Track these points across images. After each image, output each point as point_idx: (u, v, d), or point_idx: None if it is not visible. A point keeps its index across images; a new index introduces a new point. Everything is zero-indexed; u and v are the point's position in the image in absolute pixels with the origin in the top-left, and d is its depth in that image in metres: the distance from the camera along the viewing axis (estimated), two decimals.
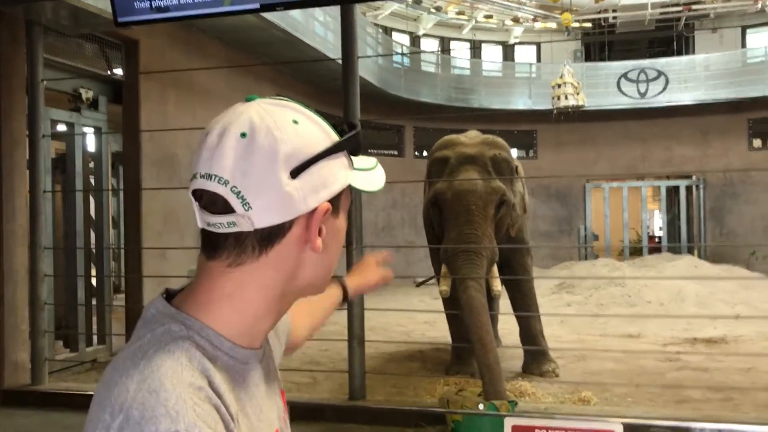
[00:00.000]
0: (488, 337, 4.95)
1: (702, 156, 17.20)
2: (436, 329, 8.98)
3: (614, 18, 18.86)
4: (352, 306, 4.94)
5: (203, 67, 9.20)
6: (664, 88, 16.88)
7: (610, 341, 8.47)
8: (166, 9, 3.65)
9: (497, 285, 5.56)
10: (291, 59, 11.47)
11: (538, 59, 19.85)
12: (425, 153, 17.15)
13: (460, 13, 19.01)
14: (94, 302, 7.46)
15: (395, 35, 18.80)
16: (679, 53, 18.87)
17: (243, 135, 0.85)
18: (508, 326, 7.50)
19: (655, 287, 11.15)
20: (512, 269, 6.35)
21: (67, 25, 6.25)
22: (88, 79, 7.52)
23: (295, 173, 0.85)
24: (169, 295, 0.92)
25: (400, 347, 7.83)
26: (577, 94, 15.57)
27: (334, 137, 0.91)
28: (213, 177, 0.84)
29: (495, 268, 5.63)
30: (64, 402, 5.17)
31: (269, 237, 0.87)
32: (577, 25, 18.80)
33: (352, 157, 0.94)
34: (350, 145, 0.92)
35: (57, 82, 6.75)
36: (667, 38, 19.57)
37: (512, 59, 19.88)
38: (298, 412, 4.66)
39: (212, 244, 0.88)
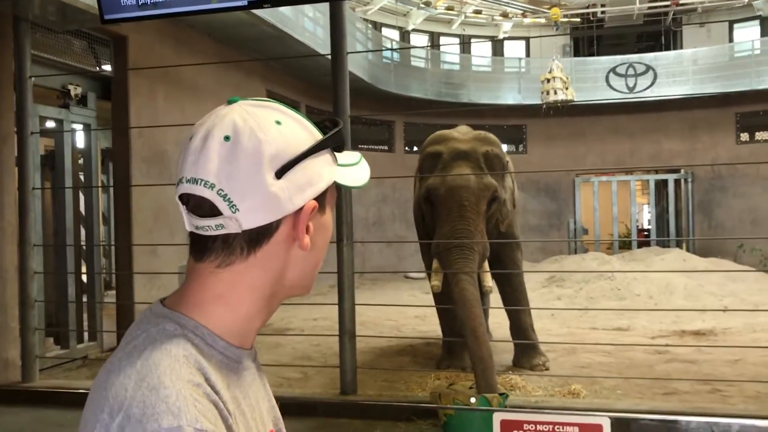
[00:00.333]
0: (481, 329, 4.99)
1: (690, 150, 17.29)
2: (427, 324, 9.01)
3: (603, 13, 18.91)
4: (343, 301, 4.96)
5: (193, 63, 9.17)
6: (653, 83, 16.95)
7: (599, 334, 8.53)
8: (153, 5, 3.63)
9: (489, 280, 5.59)
10: (280, 55, 11.45)
11: (527, 54, 19.89)
12: (415, 148, 17.15)
13: (449, 8, 19.02)
14: (84, 299, 7.45)
15: (385, 30, 18.78)
16: (667, 48, 18.95)
17: (227, 138, 0.85)
18: (498, 320, 7.53)
19: (644, 280, 11.23)
20: (502, 264, 6.38)
21: (54, 21, 6.22)
22: (77, 75, 7.48)
23: (280, 173, 0.86)
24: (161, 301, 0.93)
25: (391, 342, 7.85)
26: (566, 88, 15.63)
27: (318, 135, 0.92)
28: (199, 181, 0.85)
29: (486, 264, 5.66)
30: (55, 399, 5.16)
31: (257, 237, 0.88)
32: (565, 19, 18.85)
33: (337, 154, 0.94)
34: (334, 142, 0.93)
35: (45, 78, 6.72)
36: (656, 33, 19.65)
37: (501, 54, 19.90)
38: (289, 407, 4.68)
39: (201, 247, 0.89)
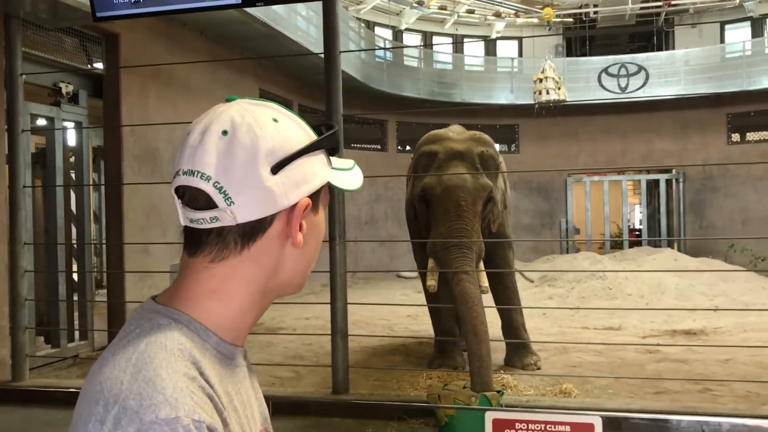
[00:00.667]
0: (482, 327, 5.01)
1: (682, 150, 17.36)
2: (419, 323, 9.02)
3: (595, 13, 18.96)
4: (335, 300, 4.96)
5: (185, 61, 9.15)
6: (645, 83, 17.01)
7: (591, 334, 8.55)
8: (145, 3, 3.62)
9: (485, 280, 5.59)
10: (273, 53, 11.43)
11: (520, 54, 19.92)
12: (408, 147, 17.16)
13: (442, 7, 19.04)
14: (75, 298, 7.42)
15: (378, 30, 18.78)
16: (659, 48, 19.02)
17: (224, 132, 0.87)
18: (490, 319, 7.48)
19: (636, 280, 11.27)
20: (494, 263, 6.40)
21: (46, 18, 6.19)
22: (68, 73, 7.45)
23: (275, 169, 0.87)
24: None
25: (383, 341, 7.85)
26: (559, 88, 15.67)
27: (313, 136, 0.93)
28: (196, 173, 0.86)
29: (482, 264, 5.68)
30: (45, 398, 5.14)
31: (251, 232, 0.89)
32: (558, 20, 18.90)
33: (331, 158, 0.96)
34: (329, 143, 0.94)
35: (36, 76, 6.69)
36: (648, 33, 19.71)
37: (494, 54, 19.93)
38: (281, 406, 4.68)
39: (195, 241, 0.90)
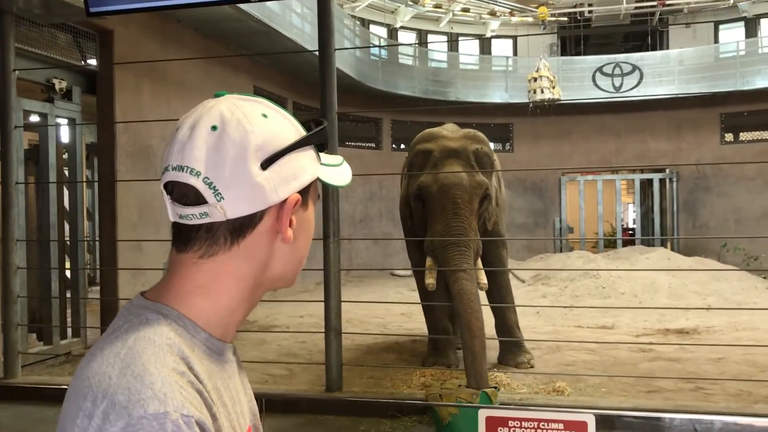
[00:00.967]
0: (477, 323, 5.02)
1: (675, 149, 17.41)
2: (413, 321, 9.03)
3: (590, 12, 19.00)
4: (329, 298, 4.95)
5: (179, 58, 9.12)
6: (639, 83, 17.04)
7: (584, 332, 8.57)
8: None
9: (483, 277, 5.60)
10: (268, 51, 11.41)
11: (515, 53, 19.94)
12: (403, 146, 17.16)
13: (437, 6, 19.03)
14: (68, 295, 7.39)
15: (373, 27, 18.77)
16: (654, 48, 19.07)
17: (214, 128, 0.86)
18: (483, 318, 7.54)
19: (629, 279, 11.29)
20: (488, 262, 6.40)
21: (39, 14, 6.16)
22: (62, 69, 7.42)
23: (265, 164, 0.87)
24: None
25: (376, 339, 7.85)
26: (553, 87, 15.69)
27: (302, 131, 0.93)
28: (185, 168, 0.86)
29: (480, 261, 5.69)
30: (37, 395, 5.13)
31: (241, 228, 0.88)
32: (553, 19, 18.92)
33: (320, 154, 0.96)
34: (318, 138, 0.94)
35: (30, 72, 6.66)
36: (642, 33, 19.76)
37: (489, 53, 19.94)
38: (275, 404, 4.67)
39: (184, 237, 0.90)
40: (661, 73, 17.12)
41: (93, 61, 7.99)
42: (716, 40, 18.65)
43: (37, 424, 4.67)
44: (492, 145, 6.34)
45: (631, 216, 23.93)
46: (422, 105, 16.78)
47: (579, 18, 19.16)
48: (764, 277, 12.46)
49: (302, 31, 11.93)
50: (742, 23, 18.59)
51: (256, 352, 7.20)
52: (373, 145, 17.50)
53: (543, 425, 3.05)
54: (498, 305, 6.53)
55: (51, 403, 4.68)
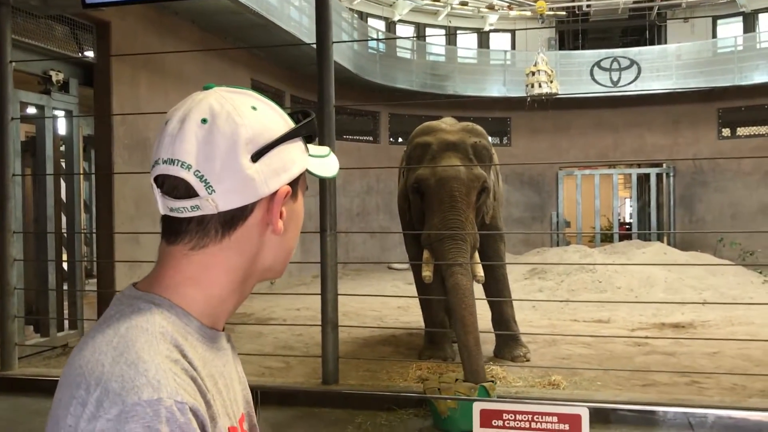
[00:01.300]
0: (471, 318, 5.03)
1: (673, 144, 17.43)
2: (410, 314, 9.04)
3: (588, 6, 18.98)
4: (326, 291, 4.96)
5: (176, 50, 9.10)
6: (637, 77, 17.05)
7: (580, 326, 8.59)
8: None
9: (480, 270, 5.60)
10: (266, 43, 11.38)
11: (513, 47, 19.91)
12: (400, 139, 17.15)
13: None
14: (65, 287, 7.39)
15: (371, 21, 18.72)
16: (652, 42, 19.05)
17: (204, 121, 0.87)
18: (480, 311, 7.54)
19: (625, 273, 11.32)
20: (486, 255, 6.41)
21: (36, 5, 6.13)
22: (59, 61, 7.40)
23: (256, 157, 0.88)
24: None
25: (373, 332, 7.87)
26: (551, 82, 15.67)
27: (291, 123, 0.94)
28: (176, 162, 0.86)
29: (477, 255, 5.69)
30: (34, 387, 5.14)
31: (232, 220, 0.89)
32: (551, 13, 18.89)
33: (308, 145, 0.97)
34: (307, 130, 0.94)
35: (26, 63, 6.64)
36: (640, 27, 19.74)
37: (487, 46, 19.92)
38: (271, 396, 4.69)
39: (174, 230, 0.90)
40: (659, 68, 17.12)
41: (90, 53, 7.97)
42: (714, 35, 18.65)
43: (34, 415, 4.68)
44: (490, 139, 6.33)
45: (627, 210, 23.97)
46: (420, 98, 16.77)
47: (577, 12, 19.15)
48: (760, 272, 12.50)
49: (300, 24, 11.90)
50: (740, 18, 18.58)
51: (253, 344, 7.21)
52: (371, 138, 17.49)
53: (537, 418, 3.06)
54: (495, 299, 6.55)
55: (48, 394, 4.65)
